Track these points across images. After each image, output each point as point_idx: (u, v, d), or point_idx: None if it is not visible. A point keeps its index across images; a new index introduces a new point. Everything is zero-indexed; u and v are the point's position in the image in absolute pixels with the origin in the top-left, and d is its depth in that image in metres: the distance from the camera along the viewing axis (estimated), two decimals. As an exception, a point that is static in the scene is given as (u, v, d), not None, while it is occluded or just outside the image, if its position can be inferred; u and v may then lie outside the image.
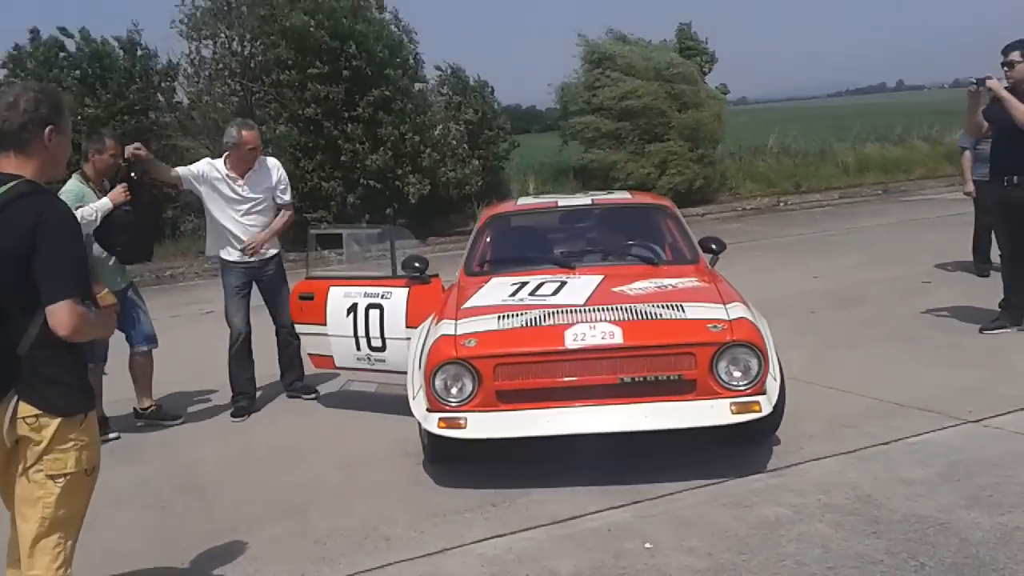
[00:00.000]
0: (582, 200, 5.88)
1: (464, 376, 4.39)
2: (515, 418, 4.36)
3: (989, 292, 8.24)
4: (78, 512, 2.94)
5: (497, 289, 5.02)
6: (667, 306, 4.52)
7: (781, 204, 18.41)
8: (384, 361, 5.66)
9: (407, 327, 5.49)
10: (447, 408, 4.42)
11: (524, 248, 5.74)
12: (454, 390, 4.42)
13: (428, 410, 4.50)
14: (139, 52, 15.32)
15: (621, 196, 6.40)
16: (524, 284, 5.00)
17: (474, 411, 4.39)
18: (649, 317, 4.43)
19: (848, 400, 5.56)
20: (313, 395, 6.38)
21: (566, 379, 4.35)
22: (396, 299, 5.57)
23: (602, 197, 5.97)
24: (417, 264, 5.54)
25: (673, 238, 5.56)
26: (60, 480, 2.84)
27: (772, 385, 4.44)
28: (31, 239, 2.70)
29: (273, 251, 6.24)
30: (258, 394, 6.35)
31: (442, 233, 15.06)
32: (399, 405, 5.86)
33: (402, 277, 5.64)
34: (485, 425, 4.37)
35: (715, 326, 4.36)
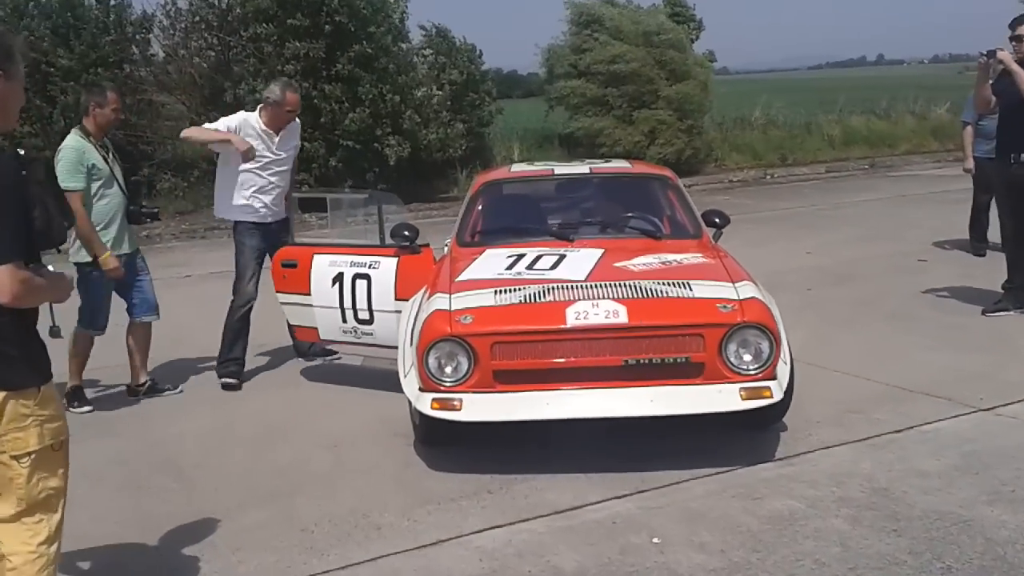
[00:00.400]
0: (579, 168, 5.61)
1: (459, 354, 4.14)
2: (513, 400, 4.12)
3: (986, 272, 8.15)
4: (56, 489, 2.68)
5: (492, 261, 4.75)
6: (673, 284, 4.28)
7: (768, 177, 18.19)
8: (372, 335, 5.39)
9: (396, 299, 5.22)
10: (441, 388, 4.17)
11: (520, 218, 5.46)
12: (448, 369, 4.17)
13: (421, 389, 4.25)
14: (112, 2, 14.74)
15: (620, 165, 6.13)
16: (520, 256, 4.73)
17: (470, 392, 4.15)
18: (655, 295, 4.19)
19: (853, 383, 5.37)
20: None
21: (567, 360, 4.11)
22: (384, 269, 5.29)
23: (600, 166, 5.69)
24: (407, 232, 5.26)
25: (675, 211, 5.30)
26: (25, 460, 2.58)
27: (783, 370, 4.23)
28: None
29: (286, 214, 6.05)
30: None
31: (425, 199, 14.70)
32: (387, 380, 5.63)
33: (391, 246, 5.35)
34: (481, 407, 4.12)
35: (725, 306, 4.12)
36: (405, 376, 4.44)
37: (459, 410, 4.12)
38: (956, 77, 68.08)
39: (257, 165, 5.83)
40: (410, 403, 4.71)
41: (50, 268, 2.70)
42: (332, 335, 5.57)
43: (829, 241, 10.47)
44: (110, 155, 5.46)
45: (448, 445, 4.55)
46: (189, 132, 6.25)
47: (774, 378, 4.16)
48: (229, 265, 6.12)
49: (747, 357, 4.11)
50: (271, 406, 5.53)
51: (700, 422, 4.32)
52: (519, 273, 4.51)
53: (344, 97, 13.92)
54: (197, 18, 14.74)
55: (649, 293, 4.19)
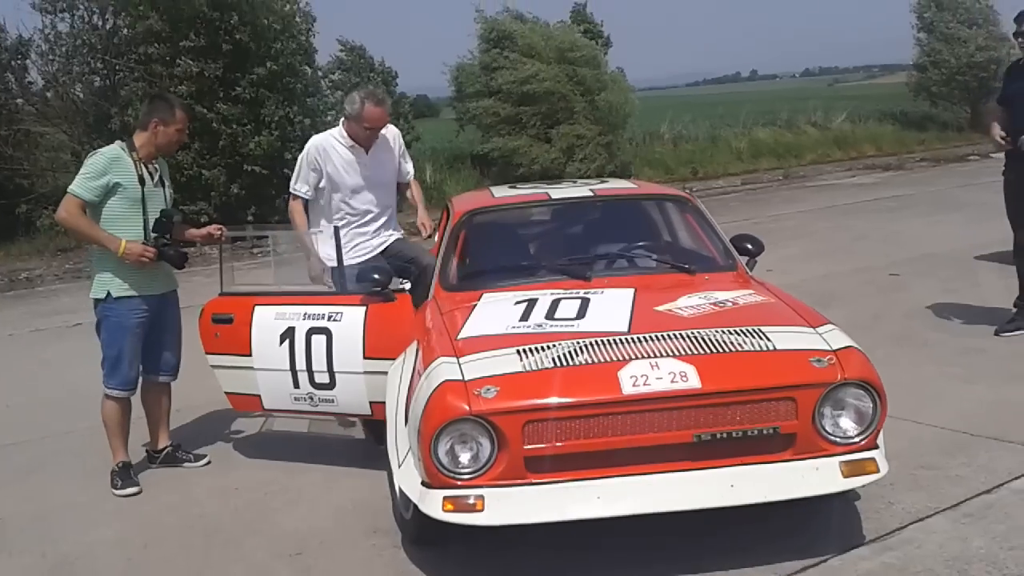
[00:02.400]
0: (580, 191, 4.68)
1: (480, 438, 3.15)
2: (552, 495, 3.15)
3: (967, 285, 7.68)
4: None
5: (499, 310, 3.77)
6: (743, 332, 3.38)
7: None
8: (333, 402, 4.35)
9: (366, 358, 4.20)
10: (457, 483, 3.16)
11: (519, 253, 4.48)
12: (465, 457, 3.18)
13: (427, 485, 3.23)
14: (-16, 28, 13.22)
15: (624, 185, 5.23)
16: (532, 302, 3.77)
17: (494, 486, 3.16)
18: (727, 349, 3.29)
19: (903, 429, 4.58)
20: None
21: (621, 438, 3.16)
22: (349, 321, 4.26)
23: (602, 187, 4.77)
24: (376, 275, 4.24)
25: (702, 238, 4.42)
26: None
27: (881, 436, 3.38)
28: None
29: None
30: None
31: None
32: (350, 453, 4.69)
33: (356, 293, 4.32)
34: (511, 506, 3.14)
35: (819, 360, 3.25)
36: (400, 467, 3.42)
37: (481, 511, 3.13)
38: (827, 89, 70.97)
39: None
40: (396, 493, 3.71)
41: None
42: (280, 403, 4.50)
43: (786, 257, 9.82)
44: (155, 179, 4.53)
45: (449, 545, 3.55)
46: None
47: (877, 447, 3.32)
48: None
49: (846, 423, 3.26)
50: (205, 499, 4.37)
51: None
52: (540, 325, 3.54)
53: (247, 120, 12.67)
54: (79, 41, 13.27)
55: (720, 347, 3.29)
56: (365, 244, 4.99)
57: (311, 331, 4.30)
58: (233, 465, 4.75)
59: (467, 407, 3.11)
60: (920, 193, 14.66)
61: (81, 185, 4.36)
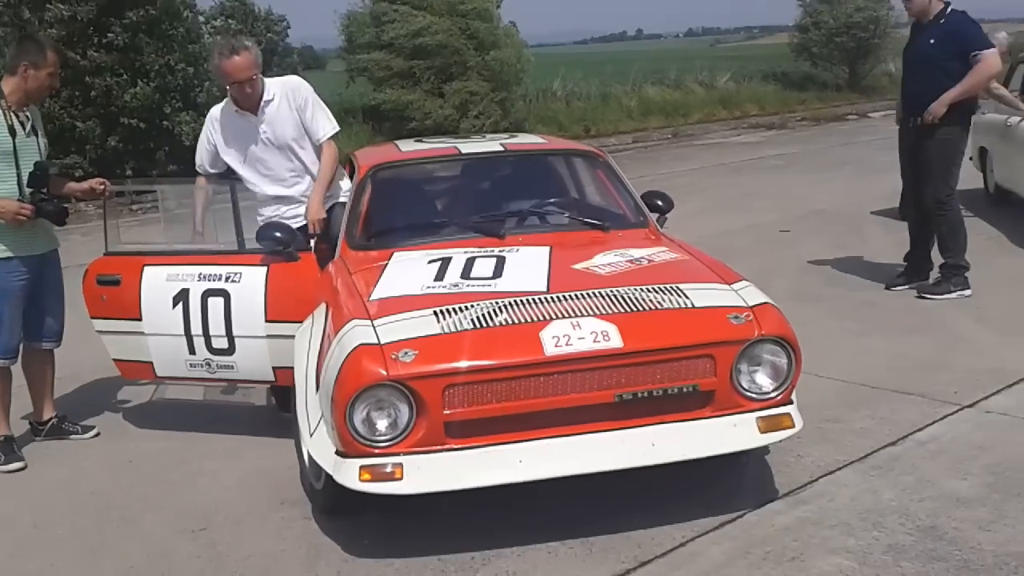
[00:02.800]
0: (490, 145, 4.52)
1: (398, 403, 3.02)
2: (474, 460, 3.06)
3: (856, 240, 7.93)
4: None
5: (412, 270, 3.62)
6: (661, 290, 3.34)
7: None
8: (233, 367, 4.13)
9: (267, 321, 4.00)
10: (373, 451, 3.03)
11: (429, 210, 4.32)
12: (382, 424, 3.04)
13: (341, 454, 3.09)
14: None
15: (534, 140, 5.09)
16: (447, 261, 3.63)
17: (413, 452, 3.04)
18: (647, 307, 3.23)
19: (807, 382, 4.51)
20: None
21: (543, 400, 3.08)
22: (249, 282, 4.04)
23: (512, 141, 4.64)
24: (278, 233, 4.02)
25: (614, 194, 4.34)
26: None
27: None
28: None
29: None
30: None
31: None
32: (251, 419, 4.55)
33: (256, 251, 4.09)
34: (431, 473, 3.03)
35: (736, 316, 3.24)
36: (312, 435, 3.26)
37: (400, 479, 3.02)
38: (709, 49, 72.39)
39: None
40: (304, 462, 3.57)
41: None
42: (174, 370, 4.26)
43: (681, 215, 9.69)
44: (27, 129, 4.13)
45: (363, 514, 3.43)
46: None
47: (791, 402, 3.34)
48: None
49: (763, 379, 3.26)
50: (96, 475, 4.11)
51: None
52: (456, 285, 3.41)
53: (123, 68, 11.96)
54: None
55: (640, 305, 3.23)
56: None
57: (207, 293, 4.06)
58: (125, 437, 4.48)
59: (384, 372, 2.98)
60: (804, 151, 15.06)
61: None
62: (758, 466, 3.74)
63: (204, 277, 4.09)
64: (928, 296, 6.01)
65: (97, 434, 4.48)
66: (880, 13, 23.12)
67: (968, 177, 9.19)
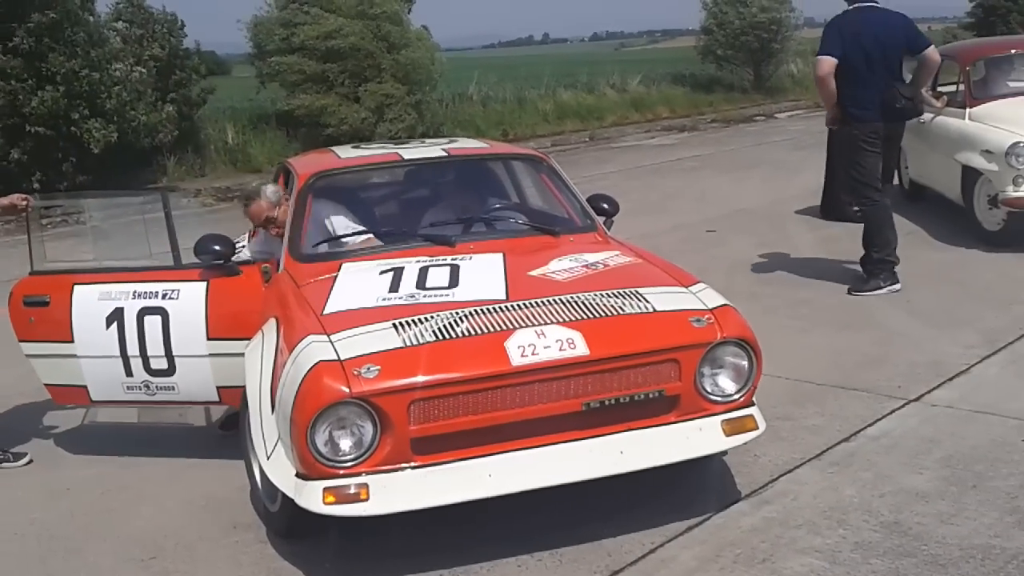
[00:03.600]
0: (432, 151, 4.41)
1: (362, 421, 2.91)
2: (441, 476, 2.97)
3: (780, 238, 8.07)
4: None
5: (364, 281, 3.50)
6: (621, 295, 3.30)
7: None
8: (174, 389, 3.95)
9: (209, 339, 3.83)
10: (337, 472, 2.92)
11: (374, 219, 4.19)
12: (346, 444, 2.93)
13: (302, 476, 2.96)
14: None
15: (476, 145, 5.00)
16: (399, 271, 3.53)
17: (378, 472, 2.94)
18: (610, 313, 3.19)
19: None
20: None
21: (511, 412, 3.01)
22: (188, 299, 3.87)
23: (455, 146, 4.54)
24: (218, 247, 3.85)
25: (560, 199, 4.29)
26: None
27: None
28: None
29: None
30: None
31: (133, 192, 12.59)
32: (192, 441, 4.40)
33: (194, 266, 3.92)
34: (398, 492, 2.93)
35: (698, 320, 3.22)
36: (269, 458, 3.12)
37: (366, 500, 2.91)
38: (614, 53, 73.36)
39: None
40: (257, 484, 3.42)
41: None
42: (110, 393, 4.06)
43: None
44: None
45: (323, 535, 3.30)
46: None
47: (753, 404, 3.34)
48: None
49: (725, 381, 3.26)
50: (33, 504, 3.87)
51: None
52: (412, 296, 3.32)
53: (27, 74, 11.44)
54: None
55: (602, 311, 3.18)
56: None
57: (143, 311, 3.87)
58: (59, 463, 4.25)
59: (347, 389, 2.86)
60: (718, 152, 15.32)
61: None
62: (718, 467, 3.74)
63: (139, 295, 3.90)
64: (858, 293, 6.13)
65: (30, 461, 4.24)
66: (783, 15, 23.73)
67: (884, 174, 9.58)
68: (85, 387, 4.03)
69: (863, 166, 6.05)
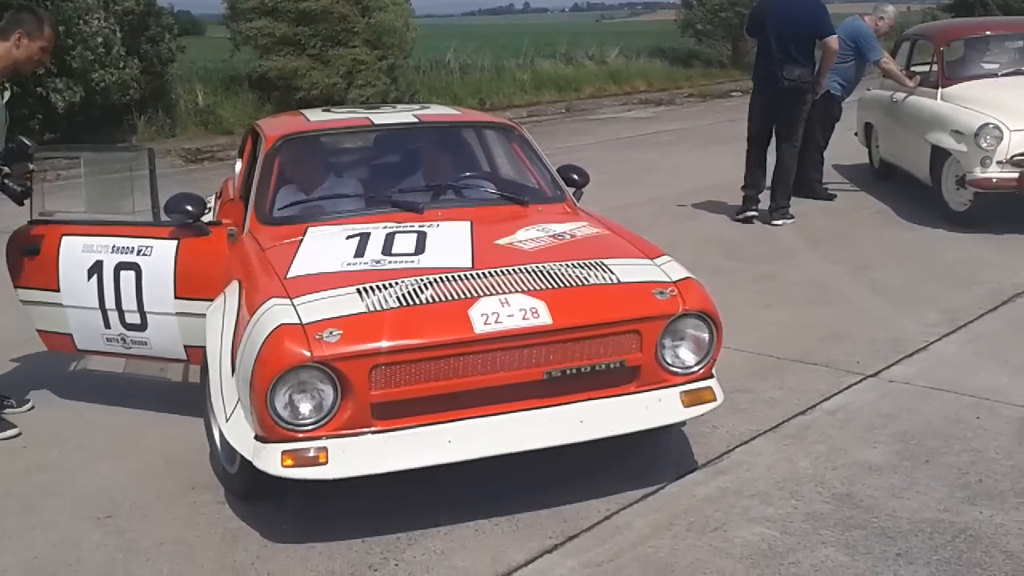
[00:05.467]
0: (403, 117, 4.39)
1: (322, 385, 2.92)
2: (401, 441, 2.99)
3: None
4: None
5: (330, 246, 3.50)
6: (587, 266, 3.32)
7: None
8: (146, 344, 3.97)
9: (177, 297, 3.82)
10: (296, 435, 2.93)
11: (342, 183, 4.17)
12: (305, 408, 2.94)
13: (261, 439, 2.97)
14: None
15: (447, 112, 4.98)
16: (365, 236, 3.52)
17: (337, 436, 2.95)
18: (574, 283, 3.21)
19: None
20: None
21: (472, 379, 3.03)
22: (159, 257, 3.85)
23: (426, 112, 4.52)
24: (189, 207, 3.83)
25: (530, 168, 4.29)
26: None
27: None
28: None
29: None
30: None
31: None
32: (161, 394, 4.41)
33: (166, 224, 3.90)
34: (357, 457, 2.95)
35: (661, 292, 3.25)
36: (228, 420, 3.12)
37: (325, 464, 2.92)
38: (595, 25, 72.97)
39: None
40: (217, 445, 3.43)
41: None
42: (93, 344, 4.11)
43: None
44: (5, 98, 3.94)
45: (281, 497, 3.32)
46: None
47: (712, 376, 3.39)
48: None
49: (686, 353, 3.29)
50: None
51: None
52: (378, 262, 3.32)
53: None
54: None
55: (567, 281, 3.20)
56: None
57: (119, 266, 3.88)
58: (17, 419, 4.18)
59: (308, 353, 2.87)
60: (694, 127, 15.34)
61: None
62: (675, 437, 3.79)
63: (117, 249, 3.91)
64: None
65: (31, 407, 4.28)
66: (762, -8, 23.67)
67: (854, 152, 9.64)
68: (71, 335, 4.07)
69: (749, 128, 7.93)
